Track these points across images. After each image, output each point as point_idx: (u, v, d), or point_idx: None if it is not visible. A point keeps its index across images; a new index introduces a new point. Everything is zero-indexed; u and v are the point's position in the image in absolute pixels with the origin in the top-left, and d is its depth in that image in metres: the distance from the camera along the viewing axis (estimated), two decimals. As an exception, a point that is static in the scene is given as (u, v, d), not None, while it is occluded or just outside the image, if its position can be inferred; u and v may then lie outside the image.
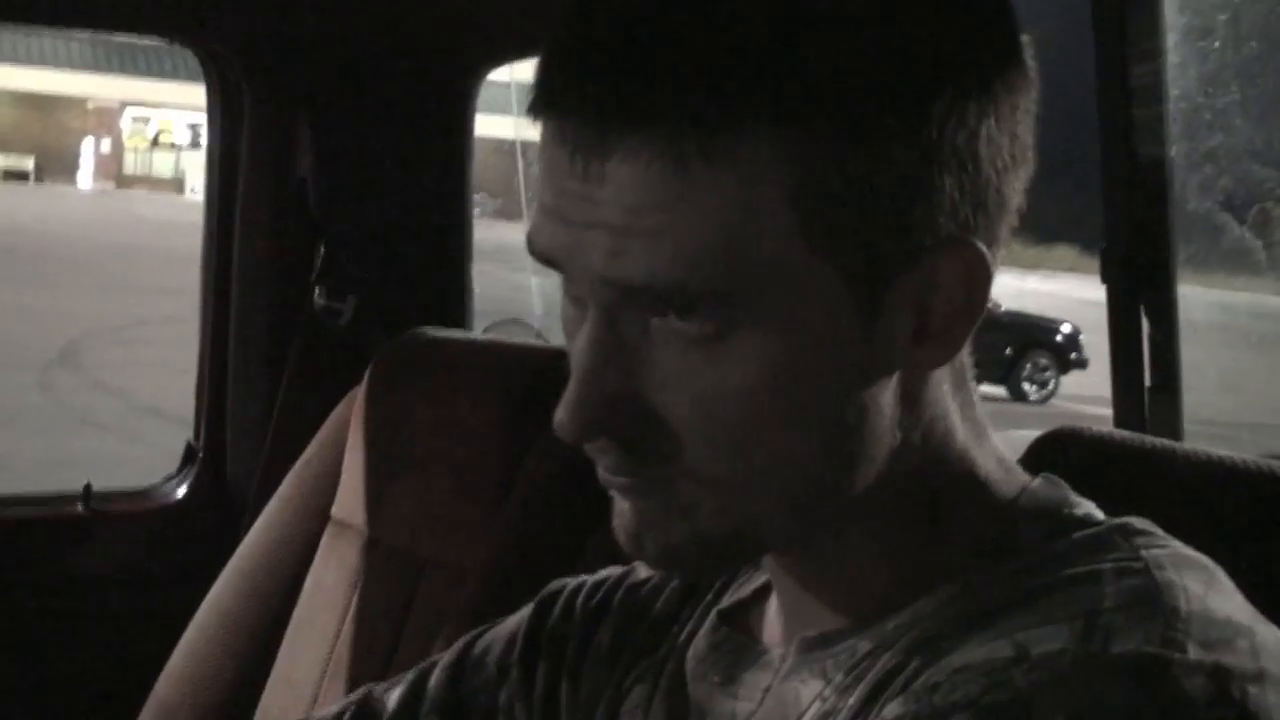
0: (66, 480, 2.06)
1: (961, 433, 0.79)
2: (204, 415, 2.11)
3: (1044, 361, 13.48)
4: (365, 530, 1.76)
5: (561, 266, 0.75)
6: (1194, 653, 0.66)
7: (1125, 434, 1.10)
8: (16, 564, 1.98)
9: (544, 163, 0.74)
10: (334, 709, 1.06)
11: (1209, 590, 0.70)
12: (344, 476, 1.82)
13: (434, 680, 1.02)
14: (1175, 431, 1.49)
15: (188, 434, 2.16)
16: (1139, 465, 1.04)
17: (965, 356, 0.80)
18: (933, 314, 0.74)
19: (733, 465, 0.74)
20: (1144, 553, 0.72)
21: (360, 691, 1.07)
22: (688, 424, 0.73)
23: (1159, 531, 0.75)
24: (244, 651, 1.79)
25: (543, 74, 0.73)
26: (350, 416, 1.84)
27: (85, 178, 32.17)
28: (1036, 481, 0.81)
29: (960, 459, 0.79)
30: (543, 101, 0.73)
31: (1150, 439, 1.08)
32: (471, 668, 1.01)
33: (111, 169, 32.44)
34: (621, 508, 0.78)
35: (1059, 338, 13.44)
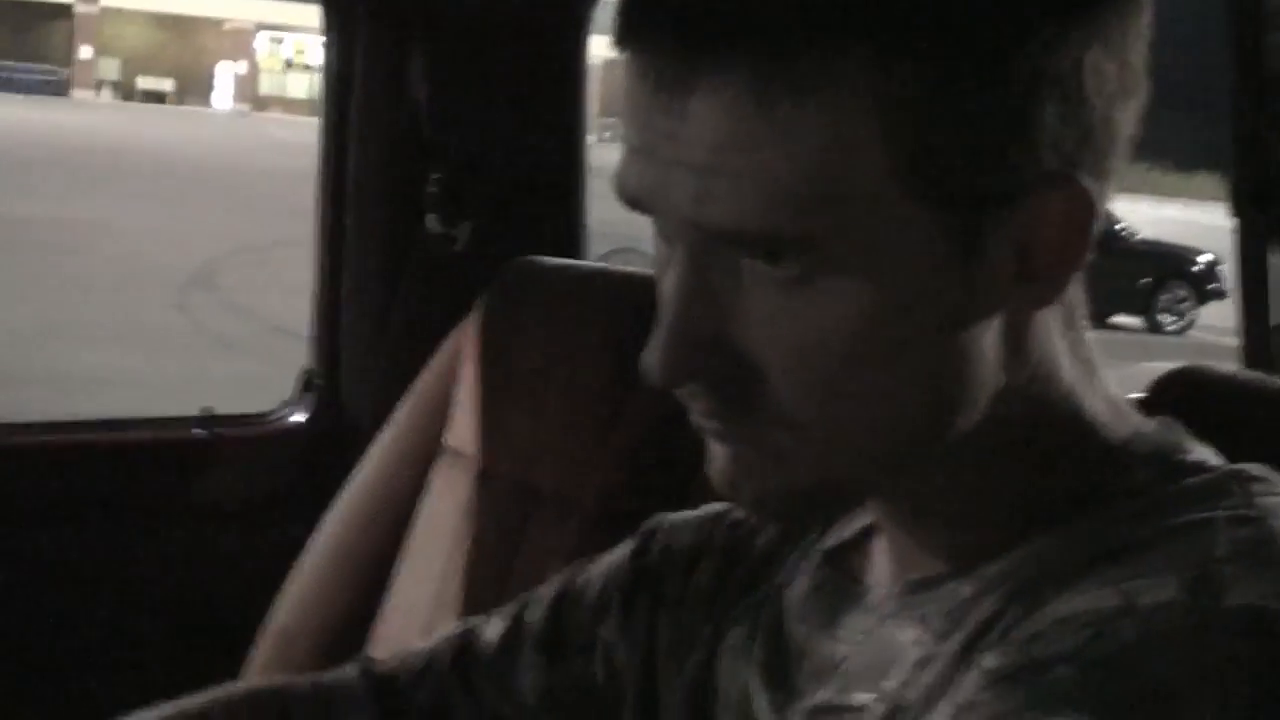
0: (200, 399, 2.07)
1: (1069, 374, 0.75)
2: (320, 341, 2.11)
3: (1181, 292, 13.21)
4: (478, 459, 1.75)
5: (648, 207, 0.72)
6: None
7: (1253, 374, 1.04)
8: (135, 486, 2.00)
9: (628, 98, 0.71)
10: (436, 642, 1.06)
11: None
12: (457, 405, 1.81)
13: (533, 614, 1.01)
14: None
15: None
16: (1266, 406, 0.99)
17: (1076, 293, 0.76)
18: (1036, 253, 0.70)
19: (825, 412, 0.71)
20: (1259, 500, 0.69)
21: (461, 624, 1.06)
22: (778, 369, 0.70)
23: (1277, 478, 0.71)
24: (359, 579, 1.80)
25: (626, 5, 0.71)
26: (463, 344, 1.83)
27: (221, 99, 32.67)
28: (1150, 424, 0.77)
29: (1067, 401, 0.75)
30: (624, 32, 0.70)
31: (1272, 380, 1.03)
32: (571, 602, 1.00)
33: (247, 91, 32.93)
34: (716, 452, 0.76)
35: (1197, 267, 13.15)
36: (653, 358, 0.72)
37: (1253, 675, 0.61)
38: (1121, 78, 0.70)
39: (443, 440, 1.81)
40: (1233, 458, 0.75)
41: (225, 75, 32.65)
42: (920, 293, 0.69)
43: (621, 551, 1.00)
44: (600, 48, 2.08)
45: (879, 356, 0.70)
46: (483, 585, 1.67)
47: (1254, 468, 0.72)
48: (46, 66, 30.66)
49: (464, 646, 1.03)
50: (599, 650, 0.97)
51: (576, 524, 1.56)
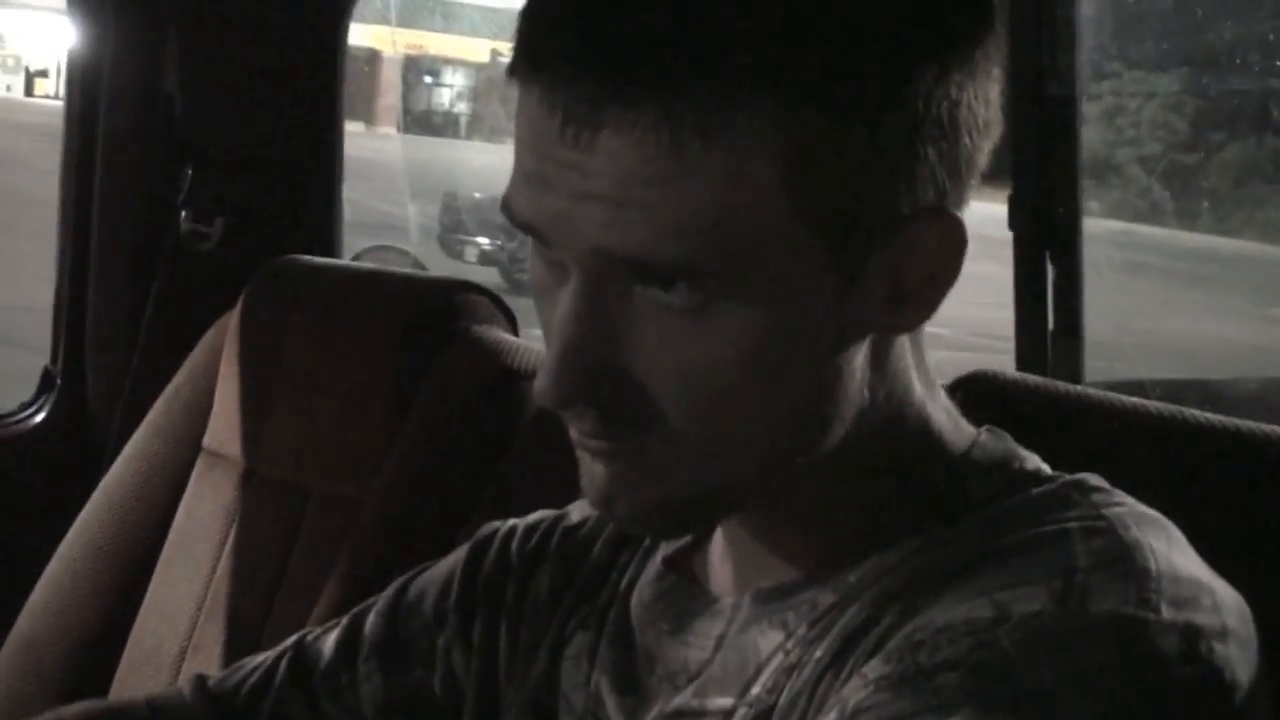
0: None
1: (919, 388, 0.80)
2: (63, 340, 2.03)
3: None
4: (241, 461, 1.72)
5: (544, 235, 0.74)
6: (1167, 613, 0.68)
7: (1038, 379, 1.12)
8: None
9: (527, 127, 0.73)
10: (269, 655, 1.04)
11: (1171, 548, 0.73)
12: (216, 406, 1.78)
13: (369, 626, 1.01)
14: (1077, 375, 1.53)
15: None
16: (1053, 409, 1.07)
17: None
18: (909, 280, 0.75)
19: (710, 431, 0.74)
20: (1105, 511, 0.74)
21: (293, 638, 1.05)
22: (668, 392, 0.73)
23: (1112, 489, 0.77)
24: (113, 584, 1.75)
25: (529, 34, 0.72)
26: (222, 344, 1.79)
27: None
28: (983, 434, 0.82)
29: (917, 414, 0.80)
30: (529, 64, 0.72)
31: (1063, 385, 1.11)
32: (407, 612, 1.00)
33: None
34: (593, 470, 0.78)
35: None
36: (547, 382, 0.73)
37: (1120, 677, 0.66)
38: (987, 115, 0.75)
39: (202, 442, 1.78)
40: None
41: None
42: (806, 318, 0.73)
43: (454, 560, 1.00)
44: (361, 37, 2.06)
45: (763, 379, 0.73)
46: (253, 587, 1.64)
47: (1090, 478, 0.78)
48: None
49: (300, 660, 1.02)
50: (437, 660, 0.98)
51: (362, 525, 1.55)
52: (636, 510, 0.77)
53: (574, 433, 0.77)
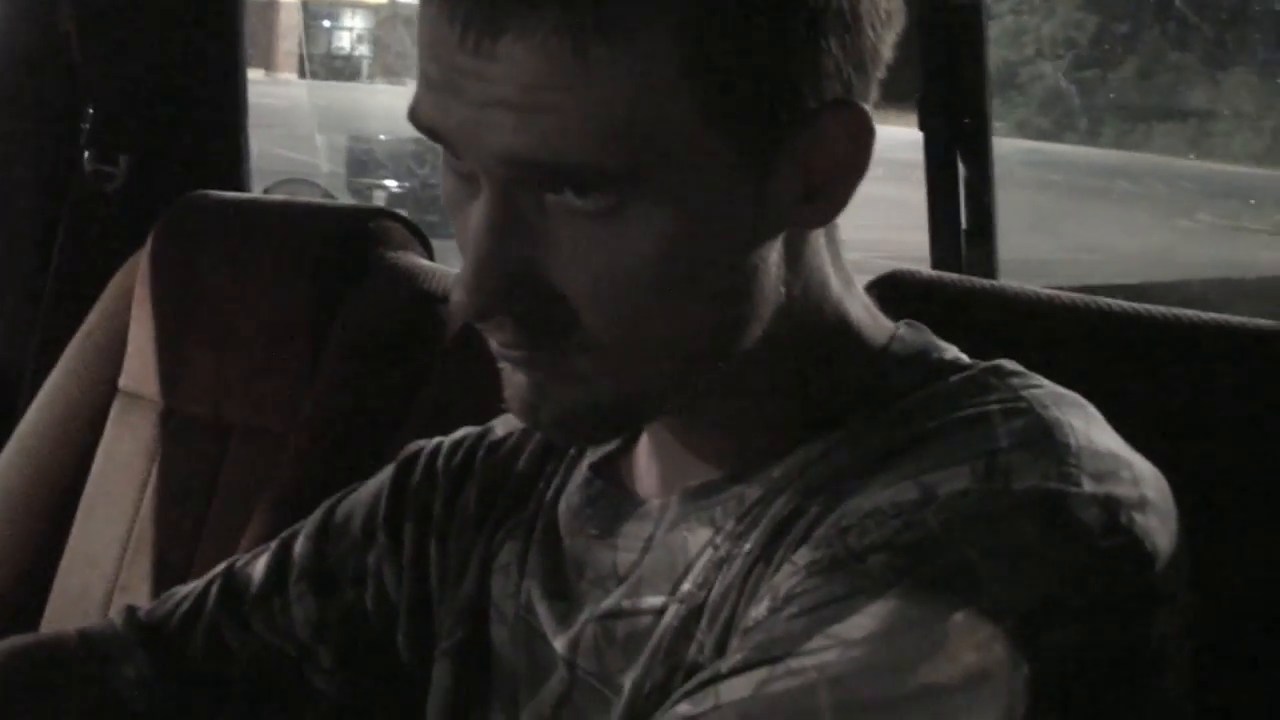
0: None
1: (835, 284, 0.81)
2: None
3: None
4: (159, 400, 1.71)
5: (451, 143, 0.73)
6: (1087, 485, 0.70)
7: (952, 275, 1.13)
8: None
9: (428, 35, 0.72)
10: (199, 583, 1.04)
11: (1089, 425, 0.74)
12: (130, 346, 1.76)
13: (298, 549, 1.01)
14: (991, 273, 1.55)
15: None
16: (968, 303, 1.08)
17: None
18: (819, 173, 0.75)
19: (629, 335, 0.74)
20: (1024, 393, 0.76)
21: (222, 565, 1.05)
22: (585, 297, 0.73)
23: (1029, 373, 0.79)
24: (34, 530, 1.73)
25: None
26: (133, 284, 1.77)
27: None
28: (901, 327, 0.83)
29: (835, 310, 0.81)
30: None
31: (978, 280, 1.12)
32: (335, 533, 1.00)
33: None
34: (515, 380, 0.78)
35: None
36: (462, 294, 0.73)
37: (1044, 548, 0.68)
38: (889, 5, 0.75)
39: (118, 383, 1.75)
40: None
41: None
42: (719, 218, 0.73)
43: (381, 480, 1.00)
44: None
45: (680, 280, 0.73)
46: (178, 527, 1.63)
47: (1007, 363, 0.79)
48: None
49: (230, 586, 1.02)
50: (369, 579, 0.98)
51: (286, 458, 1.54)
52: (559, 417, 0.78)
53: (494, 344, 0.77)
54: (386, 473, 1.01)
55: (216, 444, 1.64)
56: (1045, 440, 0.72)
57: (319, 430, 1.52)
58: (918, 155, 1.61)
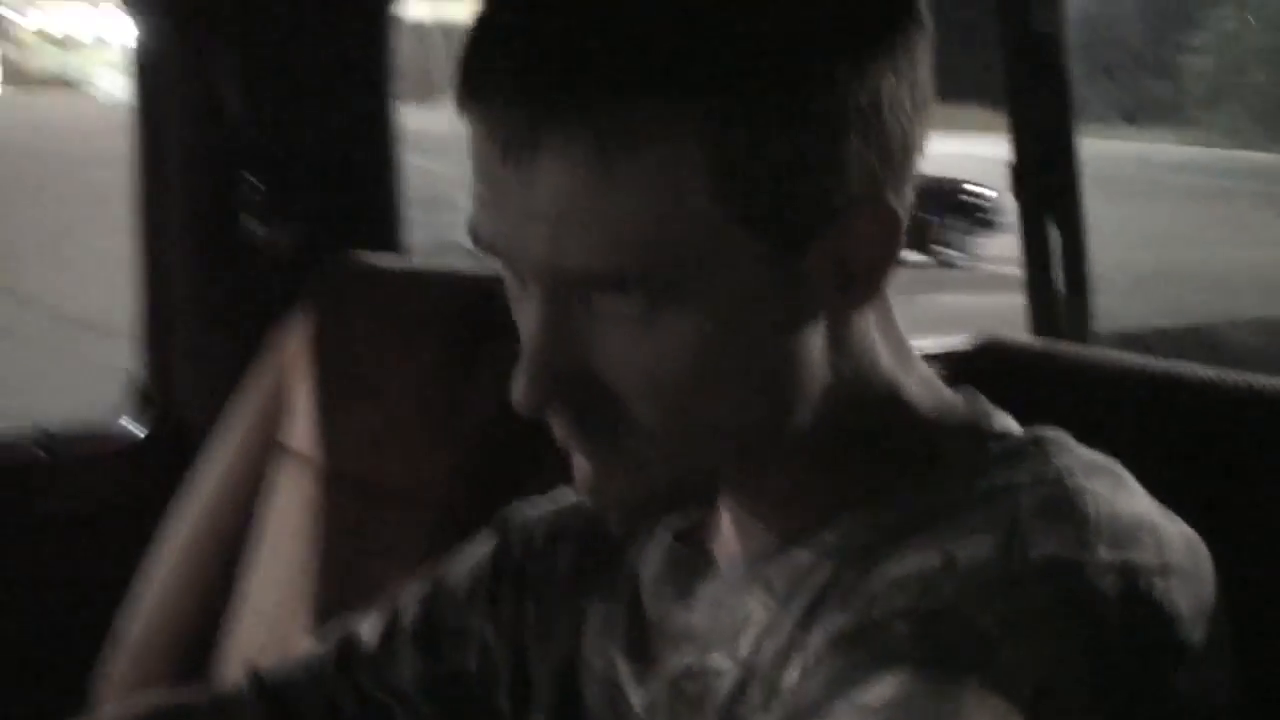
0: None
1: (886, 359, 0.84)
2: (147, 345, 2.11)
3: (961, 224, 13.47)
4: (317, 458, 1.78)
5: (500, 254, 0.79)
6: (1104, 553, 0.72)
7: (1046, 342, 1.14)
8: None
9: (477, 154, 0.77)
10: (319, 645, 1.11)
11: (1116, 492, 0.76)
12: (292, 404, 1.84)
13: (408, 610, 1.08)
14: (1083, 335, 1.54)
15: (125, 351, 2.15)
16: (1059, 373, 1.09)
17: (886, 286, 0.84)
18: (851, 264, 0.79)
19: (676, 423, 0.79)
20: (1054, 461, 0.78)
21: (341, 627, 1.11)
22: (632, 390, 0.78)
23: (1069, 441, 0.81)
24: (206, 586, 1.82)
25: (466, 69, 0.77)
26: (292, 344, 1.85)
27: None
28: (957, 397, 0.86)
29: (885, 384, 0.84)
30: (469, 97, 0.77)
31: (1070, 347, 1.13)
32: (441, 595, 1.07)
33: (14, 72, 31.50)
34: (580, 464, 0.83)
35: (972, 199, 13.41)
36: (520, 389, 0.79)
37: (1060, 618, 0.70)
38: (914, 99, 0.78)
39: (281, 440, 1.84)
40: (1033, 421, 0.84)
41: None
42: (751, 312, 0.77)
43: (483, 543, 1.07)
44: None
45: (719, 372, 0.78)
46: (331, 584, 1.70)
47: (1049, 431, 0.82)
48: None
49: (346, 648, 1.09)
50: (471, 640, 1.04)
51: (421, 519, 1.60)
52: (621, 500, 0.83)
53: (557, 431, 0.82)
54: (488, 536, 1.07)
55: (366, 504, 1.71)
56: (1065, 509, 0.74)
57: (458, 490, 1.58)
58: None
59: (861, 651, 0.72)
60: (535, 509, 1.06)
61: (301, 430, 1.81)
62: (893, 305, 0.85)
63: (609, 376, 0.78)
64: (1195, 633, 0.72)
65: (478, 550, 1.07)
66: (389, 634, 1.07)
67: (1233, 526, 0.76)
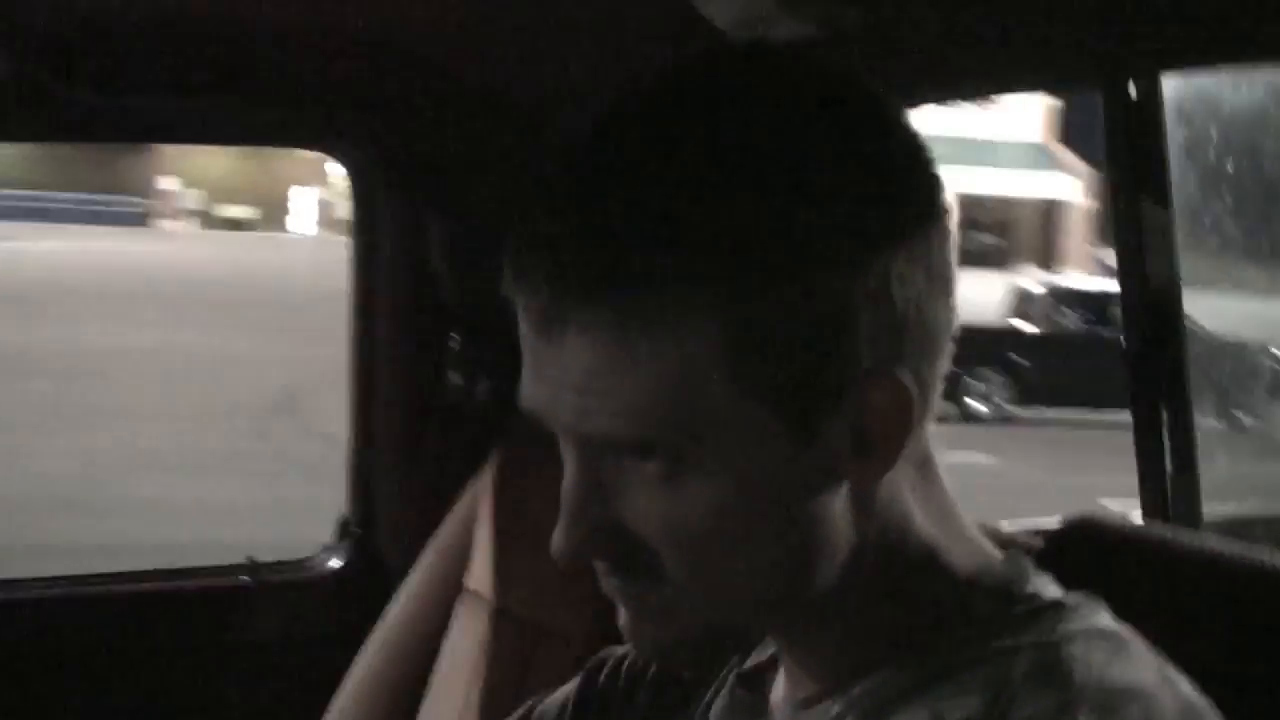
0: (284, 524, 2.19)
1: (921, 519, 0.88)
2: (354, 490, 2.27)
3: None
4: (493, 600, 1.89)
5: (543, 417, 0.87)
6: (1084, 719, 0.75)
7: (1140, 525, 1.17)
8: (182, 632, 2.16)
9: (521, 330, 0.87)
10: None
11: (1112, 659, 0.80)
12: (476, 548, 1.96)
13: None
14: (1194, 519, 1.54)
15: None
16: (1151, 555, 1.11)
17: (927, 448, 0.89)
18: (869, 433, 0.84)
19: (703, 577, 0.85)
20: (1060, 627, 0.82)
21: None
22: (661, 545, 0.85)
23: (1094, 606, 0.84)
24: (385, 712, 1.93)
25: (512, 260, 0.86)
26: (481, 491, 1.98)
27: (297, 224, 33.23)
28: (997, 556, 0.90)
29: (920, 543, 0.88)
30: (513, 283, 0.86)
31: (1163, 530, 1.15)
32: None
33: (326, 216, 33.40)
34: (621, 611, 0.90)
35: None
36: (558, 542, 0.87)
37: None
38: (928, 279, 0.84)
39: (464, 581, 1.96)
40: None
41: (300, 201, 33.26)
42: (769, 478, 0.83)
43: (574, 681, 1.14)
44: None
45: (740, 533, 0.84)
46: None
47: (1072, 596, 0.85)
48: (127, 198, 31.27)
49: None
50: None
51: (580, 660, 1.68)
52: (657, 644, 0.90)
53: (600, 580, 0.90)
54: (578, 677, 1.14)
55: (532, 643, 1.81)
56: (1054, 675, 0.78)
57: (592, 636, 1.66)
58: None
59: None
60: (622, 652, 1.12)
61: (482, 572, 1.92)
62: (933, 462, 0.89)
63: (638, 531, 0.85)
64: None
65: (569, 687, 1.14)
66: None
67: None
